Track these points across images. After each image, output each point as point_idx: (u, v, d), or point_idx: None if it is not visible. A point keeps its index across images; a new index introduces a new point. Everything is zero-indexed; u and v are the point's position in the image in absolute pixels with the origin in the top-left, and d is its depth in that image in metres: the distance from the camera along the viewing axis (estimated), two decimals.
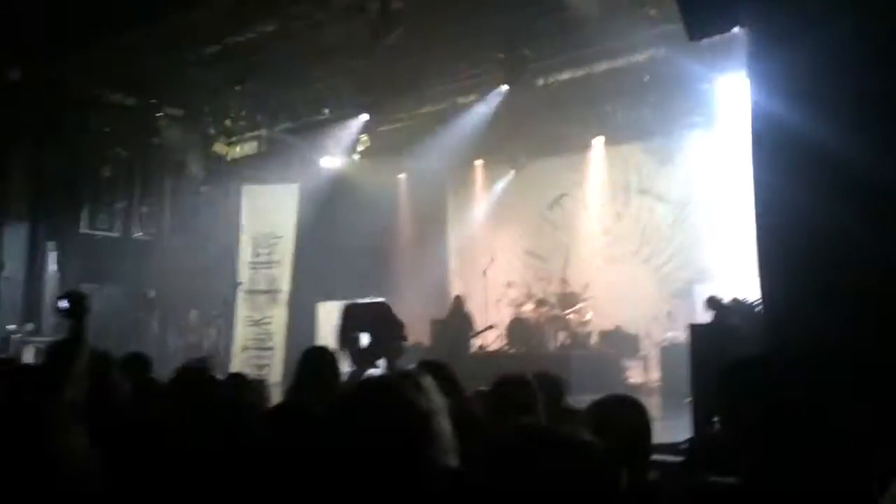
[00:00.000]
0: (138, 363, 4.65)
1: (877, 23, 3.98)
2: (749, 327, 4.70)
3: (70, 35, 9.37)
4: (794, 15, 4.46)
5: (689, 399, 5.76)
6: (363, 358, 8.14)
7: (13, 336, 10.61)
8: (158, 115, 12.58)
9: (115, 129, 12.45)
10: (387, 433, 1.54)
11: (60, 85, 11.45)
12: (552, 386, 3.38)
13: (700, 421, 4.81)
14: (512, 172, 14.38)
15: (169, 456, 2.18)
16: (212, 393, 3.27)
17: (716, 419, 3.68)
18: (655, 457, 2.85)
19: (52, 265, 12.00)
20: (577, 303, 12.48)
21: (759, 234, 5.01)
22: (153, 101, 12.38)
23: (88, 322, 3.14)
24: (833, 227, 4.31)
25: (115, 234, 12.70)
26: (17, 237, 11.42)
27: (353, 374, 7.76)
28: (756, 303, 4.77)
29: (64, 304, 3.09)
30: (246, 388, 3.65)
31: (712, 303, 5.26)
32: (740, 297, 5.00)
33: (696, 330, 5.54)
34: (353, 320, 8.57)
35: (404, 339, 8.59)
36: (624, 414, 2.41)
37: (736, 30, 8.14)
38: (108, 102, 12.18)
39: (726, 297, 5.19)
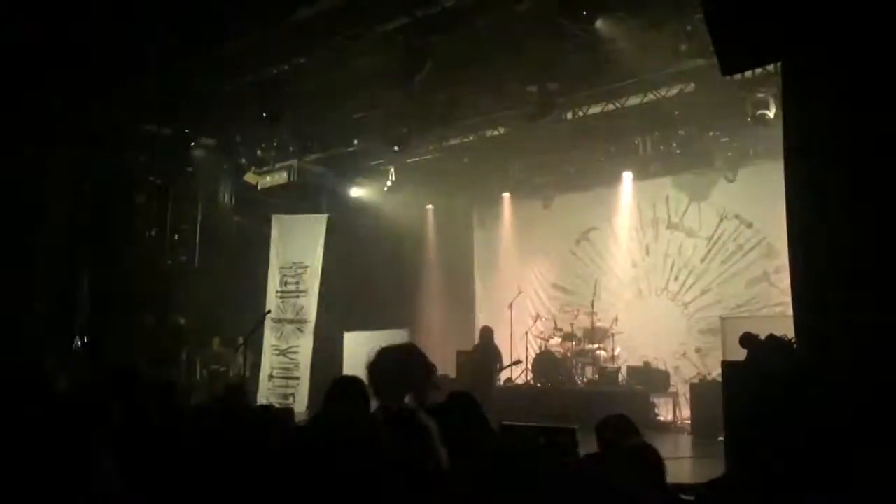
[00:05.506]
0: (167, 391, 4.70)
1: None
2: (785, 366, 4.61)
3: (111, 67, 9.58)
4: (831, 49, 4.42)
5: (721, 438, 5.65)
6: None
7: (47, 360, 10.70)
8: (192, 144, 12.78)
9: (149, 157, 12.66)
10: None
11: (97, 114, 11.68)
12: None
13: (735, 460, 4.70)
14: (540, 205, 14.36)
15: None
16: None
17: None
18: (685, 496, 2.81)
19: (85, 291, 12.11)
20: (604, 338, 12.36)
21: (794, 270, 4.94)
22: (187, 130, 12.59)
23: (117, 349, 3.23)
24: (870, 263, 4.22)
25: (147, 261, 12.81)
26: (52, 263, 11.56)
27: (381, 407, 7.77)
28: (793, 341, 4.68)
29: None
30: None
31: (747, 340, 5.15)
32: (777, 335, 4.90)
33: (729, 368, 5.44)
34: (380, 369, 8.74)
35: (434, 385, 8.72)
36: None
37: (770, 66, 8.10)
38: (142, 131, 12.40)
39: (762, 335, 5.09)
